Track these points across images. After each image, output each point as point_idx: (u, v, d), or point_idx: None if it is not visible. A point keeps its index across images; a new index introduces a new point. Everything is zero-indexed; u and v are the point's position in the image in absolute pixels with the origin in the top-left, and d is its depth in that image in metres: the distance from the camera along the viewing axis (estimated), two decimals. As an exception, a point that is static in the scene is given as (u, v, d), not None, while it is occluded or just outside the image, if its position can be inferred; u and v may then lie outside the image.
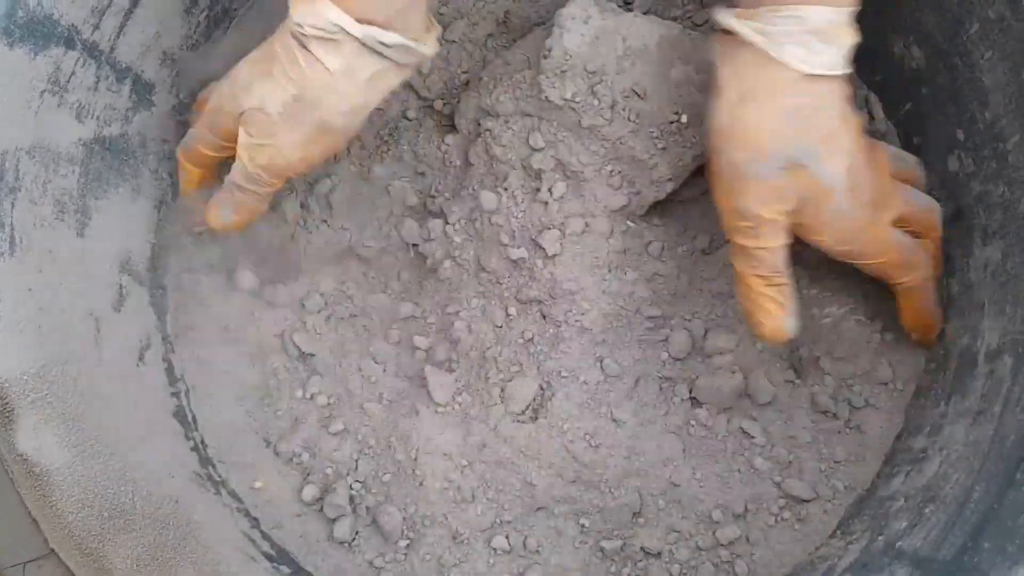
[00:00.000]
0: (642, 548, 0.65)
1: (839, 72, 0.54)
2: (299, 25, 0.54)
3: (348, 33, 0.54)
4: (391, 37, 0.55)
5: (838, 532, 0.64)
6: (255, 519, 0.66)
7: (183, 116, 0.68)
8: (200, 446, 0.66)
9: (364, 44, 0.55)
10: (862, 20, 0.53)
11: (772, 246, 0.57)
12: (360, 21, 0.54)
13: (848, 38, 0.53)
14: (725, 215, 0.58)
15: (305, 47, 0.55)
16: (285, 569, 0.64)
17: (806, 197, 0.56)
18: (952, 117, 0.62)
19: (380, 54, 0.56)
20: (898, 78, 0.66)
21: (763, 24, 0.53)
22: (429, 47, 0.58)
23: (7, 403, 0.50)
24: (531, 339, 0.68)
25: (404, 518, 0.66)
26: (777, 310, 0.58)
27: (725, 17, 0.55)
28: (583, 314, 0.67)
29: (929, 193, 0.63)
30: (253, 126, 0.58)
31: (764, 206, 0.55)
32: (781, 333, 0.59)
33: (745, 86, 0.54)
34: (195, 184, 0.65)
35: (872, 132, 0.68)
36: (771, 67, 0.53)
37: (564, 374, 0.67)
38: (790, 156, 0.54)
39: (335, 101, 0.56)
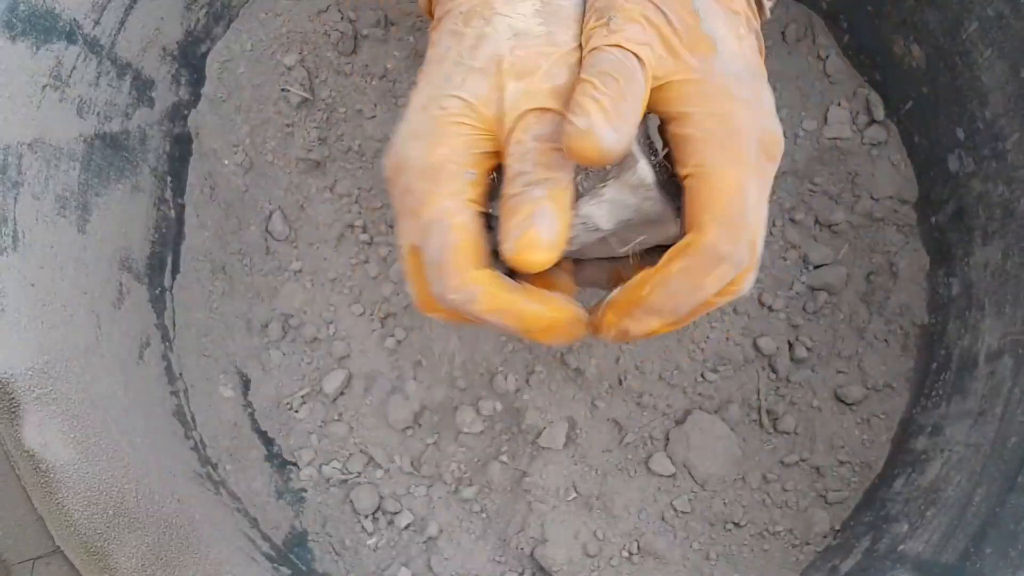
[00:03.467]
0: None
1: None
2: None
3: None
4: None
5: (840, 535, 0.64)
6: (254, 519, 0.66)
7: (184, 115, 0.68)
8: (199, 445, 0.66)
9: None
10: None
11: None
12: None
13: None
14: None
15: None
16: (285, 570, 0.63)
17: None
18: (952, 116, 0.63)
19: None
20: (898, 77, 0.67)
21: None
22: None
23: (13, 398, 0.49)
24: None
25: None
26: None
27: None
28: None
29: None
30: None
31: None
32: None
33: None
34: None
35: (873, 132, 0.69)
36: None
37: None
38: None
39: None
